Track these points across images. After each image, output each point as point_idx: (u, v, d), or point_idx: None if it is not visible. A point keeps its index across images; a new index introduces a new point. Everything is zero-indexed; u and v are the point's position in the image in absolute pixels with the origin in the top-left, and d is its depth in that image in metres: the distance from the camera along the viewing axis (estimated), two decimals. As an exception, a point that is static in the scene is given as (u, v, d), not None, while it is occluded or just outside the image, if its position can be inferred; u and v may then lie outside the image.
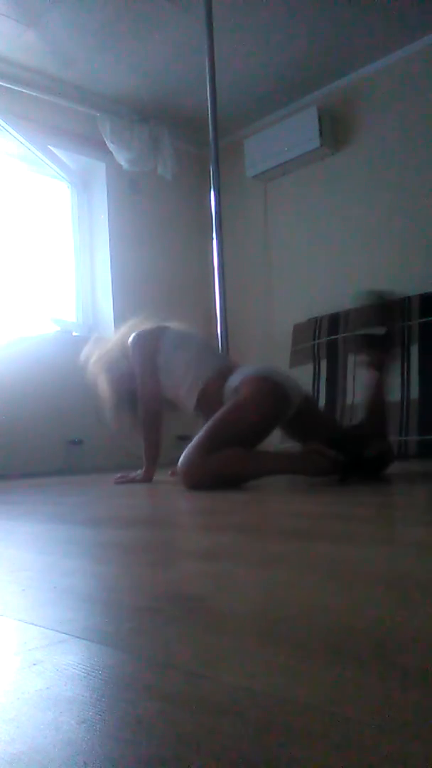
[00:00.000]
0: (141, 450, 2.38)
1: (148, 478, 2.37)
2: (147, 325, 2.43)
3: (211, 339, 2.59)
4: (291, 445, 2.33)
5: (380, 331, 2.10)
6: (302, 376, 3.50)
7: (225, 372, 2.18)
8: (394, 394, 3.07)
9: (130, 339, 2.37)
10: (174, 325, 2.42)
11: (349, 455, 1.90)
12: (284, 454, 2.21)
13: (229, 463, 1.91)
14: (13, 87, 3.36)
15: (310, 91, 3.74)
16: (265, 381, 2.01)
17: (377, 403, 2.17)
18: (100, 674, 0.47)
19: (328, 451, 1.90)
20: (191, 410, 2.26)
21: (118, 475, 2.47)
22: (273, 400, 1.98)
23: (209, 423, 2.01)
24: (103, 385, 2.42)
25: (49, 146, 3.67)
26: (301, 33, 3.17)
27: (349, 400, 3.25)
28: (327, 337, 3.46)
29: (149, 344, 2.32)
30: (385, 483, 1.89)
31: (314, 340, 3.51)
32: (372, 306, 2.22)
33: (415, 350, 3.07)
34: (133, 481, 2.38)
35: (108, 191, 3.87)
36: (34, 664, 0.50)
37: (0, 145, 3.50)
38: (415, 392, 3.02)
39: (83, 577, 0.84)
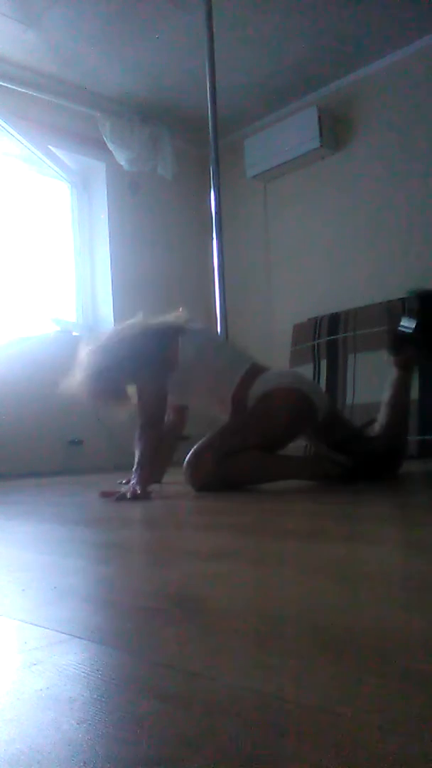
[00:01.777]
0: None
1: (141, 490, 1.90)
2: (156, 320, 2.18)
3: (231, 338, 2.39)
4: (296, 447, 2.27)
5: (409, 327, 1.97)
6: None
7: (253, 374, 2.02)
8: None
9: (143, 331, 2.13)
10: (187, 322, 2.18)
11: (359, 459, 1.89)
12: (293, 458, 2.07)
13: (239, 467, 1.91)
14: (13, 87, 3.36)
15: (310, 91, 3.73)
16: (295, 393, 1.95)
17: (400, 404, 2.13)
18: (100, 674, 0.47)
19: (338, 456, 1.90)
20: (213, 413, 2.11)
21: (121, 484, 2.21)
22: (301, 413, 1.94)
23: (229, 425, 1.98)
24: (92, 357, 2.16)
25: (49, 146, 3.67)
26: (301, 33, 3.17)
27: (349, 400, 3.25)
28: (327, 337, 3.46)
29: (163, 343, 2.08)
30: (387, 483, 1.89)
31: (314, 340, 3.51)
32: (415, 301, 2.11)
33: (415, 350, 3.07)
34: (124, 497, 1.88)
35: (108, 191, 3.87)
36: (34, 664, 0.50)
37: (0, 145, 3.50)
38: (415, 392, 3.01)
39: (83, 577, 0.84)
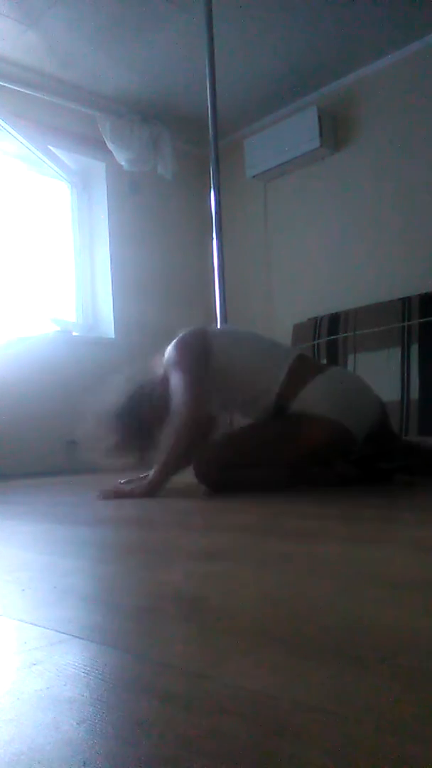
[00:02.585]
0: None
1: (152, 491, 1.89)
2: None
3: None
4: None
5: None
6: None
7: (302, 369, 1.91)
8: (394, 394, 3.07)
9: (173, 343, 2.02)
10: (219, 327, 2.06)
11: (358, 467, 1.88)
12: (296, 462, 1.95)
13: (247, 469, 1.90)
14: (13, 87, 3.35)
15: (310, 91, 3.73)
16: (333, 427, 1.78)
17: None
18: (100, 674, 0.47)
19: (351, 469, 1.87)
20: (254, 415, 1.98)
21: (121, 481, 2.13)
22: (333, 448, 1.83)
23: (254, 434, 1.93)
24: (118, 397, 2.05)
25: (49, 146, 3.67)
26: (301, 33, 3.17)
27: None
28: (327, 337, 3.46)
29: (199, 344, 1.97)
30: (386, 483, 1.89)
31: (314, 340, 3.51)
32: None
33: (415, 350, 3.07)
34: (131, 495, 1.89)
35: (108, 191, 3.87)
36: (34, 664, 0.50)
37: (0, 145, 3.50)
38: (415, 392, 3.02)
39: (83, 577, 0.84)
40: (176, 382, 1.93)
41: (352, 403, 1.87)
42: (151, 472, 1.93)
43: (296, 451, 1.83)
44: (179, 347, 1.98)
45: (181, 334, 2.02)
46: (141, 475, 2.09)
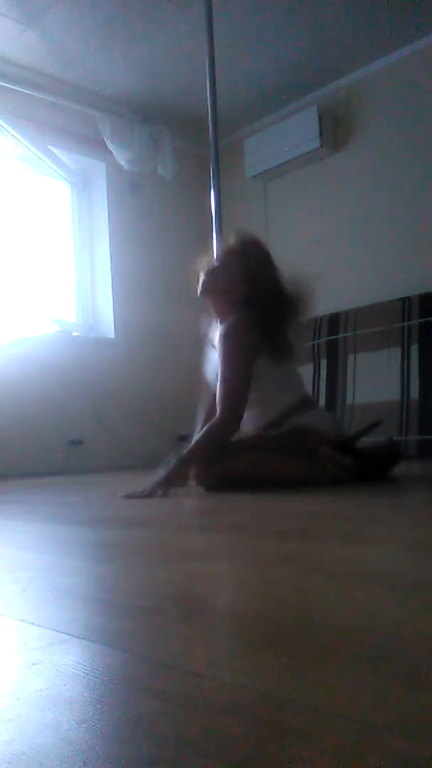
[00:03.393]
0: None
1: (172, 477, 1.86)
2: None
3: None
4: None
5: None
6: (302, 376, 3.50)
7: (302, 406, 2.03)
8: (394, 394, 3.07)
9: (232, 322, 1.98)
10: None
11: (360, 461, 1.90)
12: (299, 460, 1.97)
13: (245, 468, 1.92)
14: (13, 87, 3.35)
15: (310, 91, 3.73)
16: (320, 437, 1.93)
17: None
18: (100, 674, 0.47)
19: (344, 458, 1.90)
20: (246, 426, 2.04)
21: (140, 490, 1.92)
22: (308, 454, 1.93)
23: (254, 441, 2.00)
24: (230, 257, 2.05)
25: (49, 146, 3.67)
26: (301, 33, 3.17)
27: (349, 400, 3.25)
28: (327, 337, 3.46)
29: (251, 341, 1.96)
30: (386, 483, 1.89)
31: (314, 340, 3.51)
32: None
33: (415, 350, 3.07)
34: (153, 490, 1.84)
35: (108, 191, 3.87)
36: (34, 664, 0.50)
37: (0, 145, 3.50)
38: (415, 392, 3.02)
39: (83, 577, 0.84)
40: (225, 371, 1.94)
41: (330, 422, 2.09)
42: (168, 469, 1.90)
43: (291, 462, 1.93)
44: (235, 332, 1.96)
45: (238, 318, 1.98)
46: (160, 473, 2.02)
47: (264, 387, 1.99)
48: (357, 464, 1.89)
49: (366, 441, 2.06)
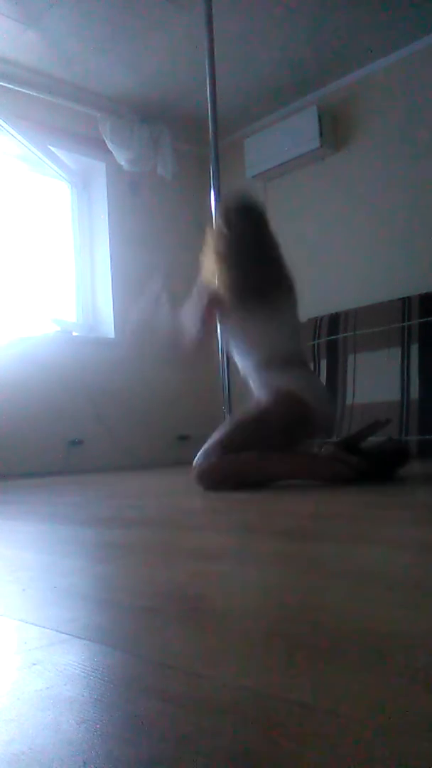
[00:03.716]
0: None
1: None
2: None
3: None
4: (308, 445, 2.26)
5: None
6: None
7: (284, 359, 2.08)
8: (394, 394, 3.07)
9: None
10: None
11: (369, 460, 1.88)
12: (303, 458, 2.01)
13: (246, 466, 1.93)
14: (13, 87, 3.35)
15: (310, 91, 3.73)
16: (294, 400, 1.96)
17: None
18: (100, 674, 0.47)
19: (350, 457, 1.88)
20: (241, 361, 2.17)
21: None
22: (295, 422, 1.96)
23: (231, 426, 2.04)
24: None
25: (49, 146, 3.67)
26: (301, 33, 3.17)
27: (348, 400, 3.25)
28: (327, 337, 3.46)
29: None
30: (386, 483, 1.89)
31: (314, 340, 3.51)
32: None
33: (415, 350, 3.07)
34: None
35: (108, 191, 3.87)
36: (34, 664, 0.50)
37: (0, 145, 3.50)
38: (415, 392, 3.02)
39: (83, 577, 0.84)
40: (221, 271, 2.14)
41: (314, 388, 2.12)
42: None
43: (270, 430, 1.96)
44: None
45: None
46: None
47: (260, 325, 2.10)
48: (362, 463, 1.87)
49: (372, 441, 2.05)
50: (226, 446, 1.95)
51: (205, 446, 2.00)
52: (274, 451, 1.95)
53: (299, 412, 1.96)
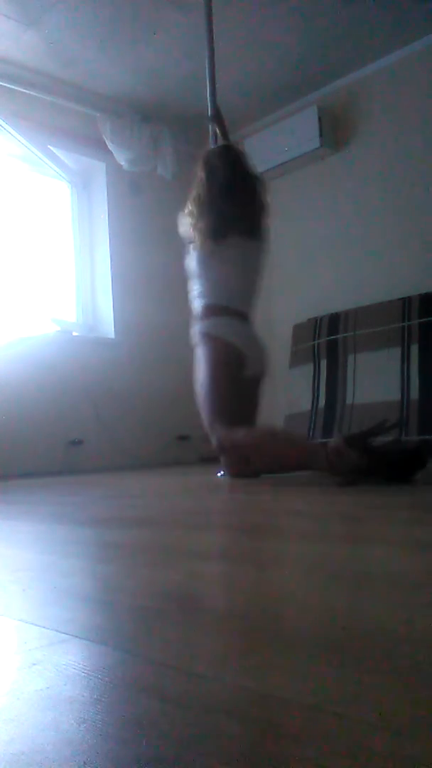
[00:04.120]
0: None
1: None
2: None
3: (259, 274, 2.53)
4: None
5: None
6: (302, 376, 3.50)
7: (226, 309, 2.27)
8: (394, 394, 3.06)
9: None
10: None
11: (368, 458, 1.87)
12: (316, 452, 2.01)
13: (267, 457, 2.10)
14: (13, 87, 3.35)
15: (310, 91, 3.73)
16: (219, 344, 2.21)
17: None
18: (100, 674, 0.47)
19: (348, 452, 1.87)
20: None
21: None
22: (226, 365, 2.20)
23: (201, 400, 2.27)
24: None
25: (49, 146, 3.67)
26: (301, 33, 3.17)
27: (348, 400, 3.25)
28: (327, 337, 3.45)
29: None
30: (386, 483, 1.89)
31: (314, 340, 3.51)
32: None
33: (415, 350, 3.07)
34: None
35: (108, 191, 3.87)
36: (34, 664, 0.50)
37: (0, 145, 3.50)
38: (415, 392, 3.02)
39: (83, 577, 0.84)
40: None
41: (241, 336, 2.30)
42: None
43: (215, 380, 2.21)
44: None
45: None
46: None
47: (221, 268, 2.32)
48: (364, 461, 1.84)
49: (380, 440, 2.01)
50: (218, 416, 2.17)
51: (206, 425, 2.24)
52: (241, 395, 2.21)
53: (227, 354, 2.19)
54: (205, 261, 2.32)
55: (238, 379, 2.23)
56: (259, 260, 2.41)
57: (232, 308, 2.31)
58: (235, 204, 2.29)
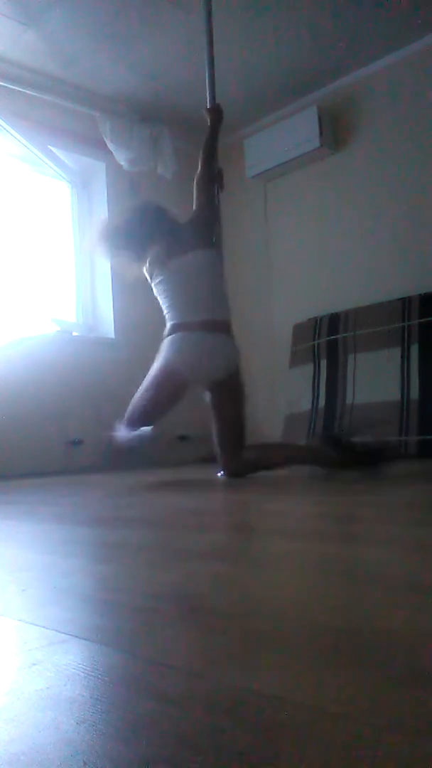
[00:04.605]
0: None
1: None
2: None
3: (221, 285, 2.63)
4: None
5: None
6: (302, 376, 3.50)
7: (183, 325, 2.43)
8: (394, 394, 3.07)
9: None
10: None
11: (349, 454, 2.09)
12: (309, 448, 2.46)
13: (265, 457, 2.35)
14: (13, 87, 3.35)
15: (310, 91, 3.73)
16: (167, 369, 2.37)
17: None
18: (100, 674, 0.47)
19: (327, 449, 2.15)
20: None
21: None
22: (170, 389, 2.39)
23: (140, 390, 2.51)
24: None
25: (49, 146, 3.67)
26: (301, 33, 3.17)
27: (348, 400, 3.25)
28: (327, 337, 3.46)
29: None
30: (386, 483, 1.89)
31: (314, 340, 3.51)
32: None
33: (415, 350, 3.07)
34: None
35: (108, 191, 3.87)
36: (34, 664, 0.50)
37: (0, 145, 3.50)
38: (415, 392, 3.02)
39: (83, 577, 0.84)
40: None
41: (189, 355, 2.42)
42: None
43: (158, 395, 2.42)
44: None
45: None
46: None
47: (158, 291, 2.53)
48: (342, 457, 2.07)
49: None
50: (138, 420, 2.45)
51: (218, 439, 2.45)
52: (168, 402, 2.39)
53: (169, 374, 2.36)
54: (154, 288, 2.55)
55: (175, 394, 2.43)
56: (202, 268, 2.49)
57: (188, 323, 2.44)
58: (143, 234, 2.50)
